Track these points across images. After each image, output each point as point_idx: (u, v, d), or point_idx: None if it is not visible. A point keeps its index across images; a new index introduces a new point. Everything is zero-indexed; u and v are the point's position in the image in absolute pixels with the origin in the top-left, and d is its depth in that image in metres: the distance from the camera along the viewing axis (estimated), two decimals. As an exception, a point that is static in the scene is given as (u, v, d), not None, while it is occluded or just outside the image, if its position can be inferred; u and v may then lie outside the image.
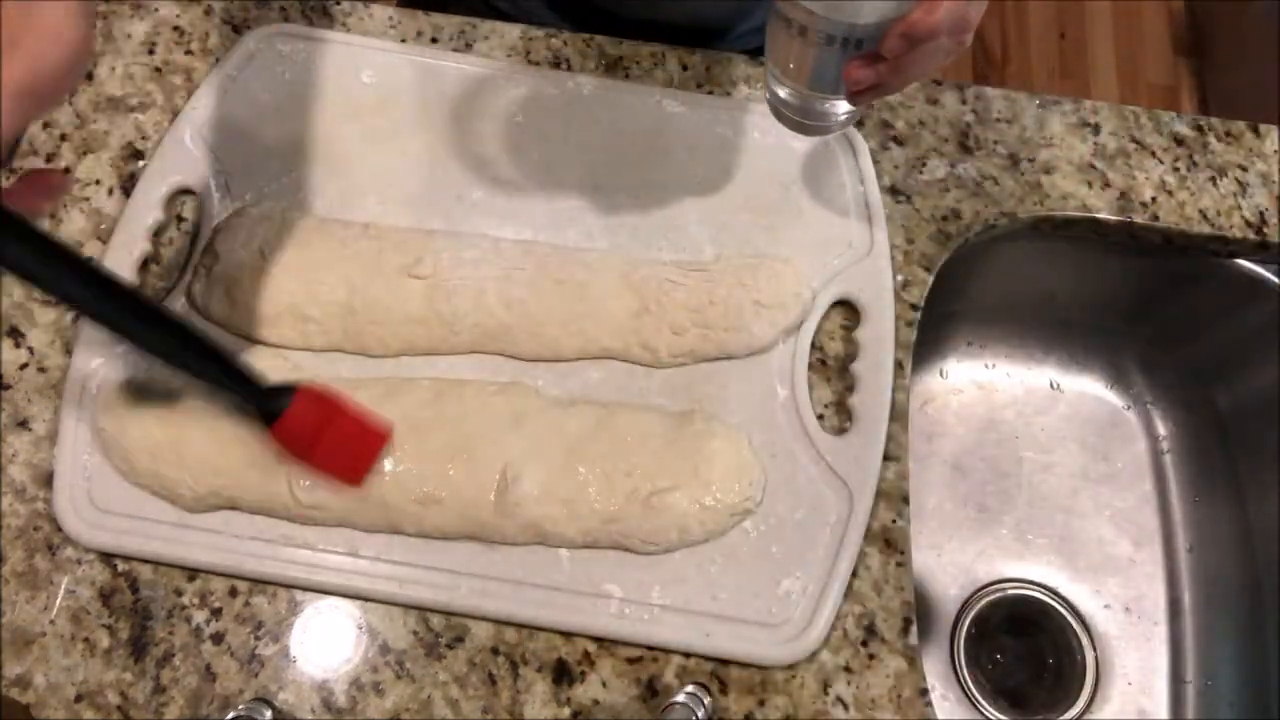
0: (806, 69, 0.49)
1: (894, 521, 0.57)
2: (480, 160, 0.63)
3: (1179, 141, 0.68)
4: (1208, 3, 1.81)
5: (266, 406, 0.50)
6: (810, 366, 0.60)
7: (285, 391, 0.50)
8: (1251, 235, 0.66)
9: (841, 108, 0.51)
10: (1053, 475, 0.80)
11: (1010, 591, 0.77)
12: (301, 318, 0.57)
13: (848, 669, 0.54)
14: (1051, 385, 0.83)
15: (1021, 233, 0.67)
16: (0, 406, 0.57)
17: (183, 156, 0.62)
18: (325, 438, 0.50)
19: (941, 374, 0.83)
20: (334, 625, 0.54)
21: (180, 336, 0.48)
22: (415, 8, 0.70)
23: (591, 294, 0.58)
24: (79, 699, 0.52)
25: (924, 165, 0.66)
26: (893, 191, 0.65)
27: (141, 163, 0.63)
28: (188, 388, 0.55)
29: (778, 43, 0.49)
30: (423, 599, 0.54)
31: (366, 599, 0.54)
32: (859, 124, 0.66)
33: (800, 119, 0.53)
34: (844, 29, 0.45)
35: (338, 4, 0.68)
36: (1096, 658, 0.76)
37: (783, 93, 0.52)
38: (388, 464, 0.53)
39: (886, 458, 0.57)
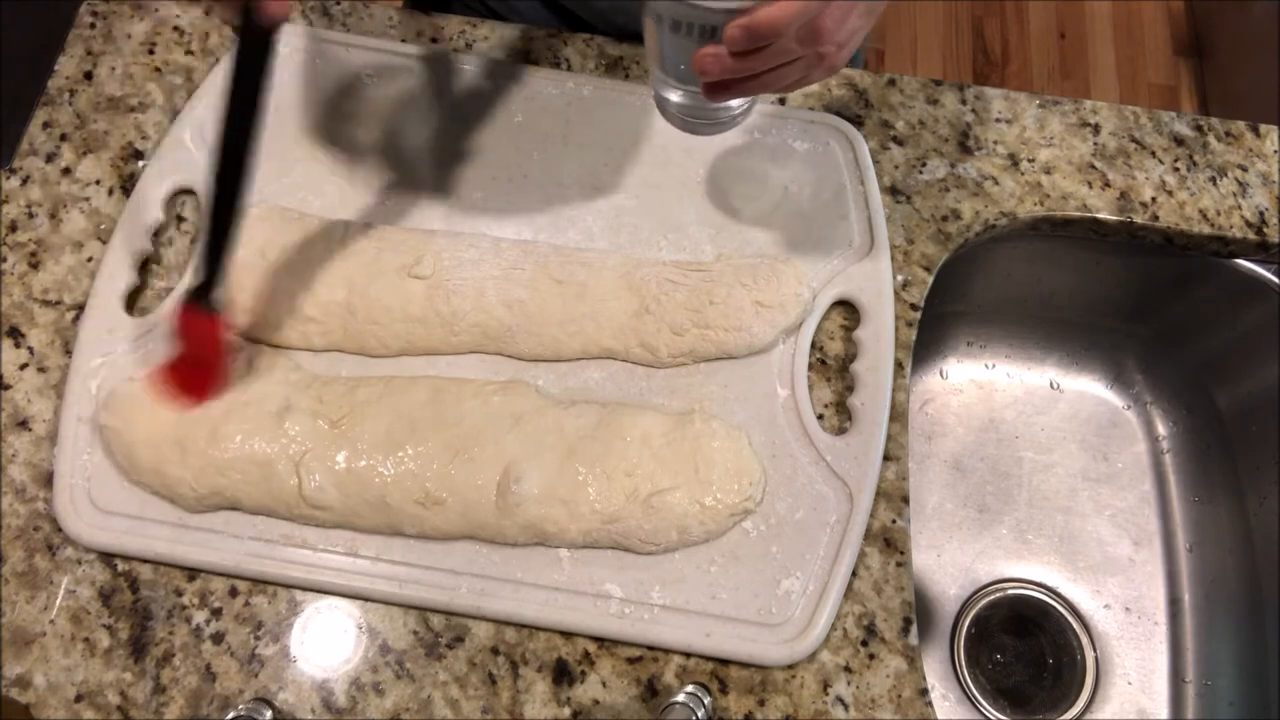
0: (668, 59, 0.49)
1: (894, 521, 0.57)
2: (480, 160, 0.63)
3: (1179, 141, 0.68)
4: (1208, 3, 1.81)
5: (200, 282, 0.52)
6: (810, 366, 0.60)
7: (214, 293, 0.52)
8: (1251, 235, 0.66)
9: (721, 106, 0.51)
10: (1053, 475, 0.80)
11: (1010, 591, 0.77)
12: (301, 318, 0.57)
13: (848, 669, 0.54)
14: (1051, 385, 0.83)
15: (1021, 233, 0.67)
16: (0, 406, 0.57)
17: (183, 156, 0.62)
18: (194, 350, 0.53)
19: (941, 374, 0.83)
20: (334, 625, 0.54)
21: (239, 191, 0.50)
22: (418, 9, 0.70)
23: (591, 294, 0.58)
24: (79, 699, 0.52)
25: (924, 165, 0.66)
26: (893, 191, 0.65)
27: (141, 163, 0.63)
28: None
29: (647, 36, 0.49)
30: (423, 599, 0.54)
31: (366, 599, 0.54)
32: (859, 124, 0.66)
33: (683, 115, 0.53)
34: (689, 15, 0.45)
35: (338, 4, 0.68)
36: (1096, 658, 0.76)
37: (660, 89, 0.52)
38: (388, 465, 0.53)
39: (886, 458, 0.57)
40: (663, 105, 0.54)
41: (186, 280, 0.57)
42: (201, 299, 0.52)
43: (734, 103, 0.52)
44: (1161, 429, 0.82)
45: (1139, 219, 0.66)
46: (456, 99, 0.65)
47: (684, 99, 0.52)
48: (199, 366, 0.54)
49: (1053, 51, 1.82)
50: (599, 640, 0.54)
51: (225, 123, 0.49)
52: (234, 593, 0.54)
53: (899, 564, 0.56)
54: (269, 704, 0.52)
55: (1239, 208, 0.67)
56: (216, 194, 0.50)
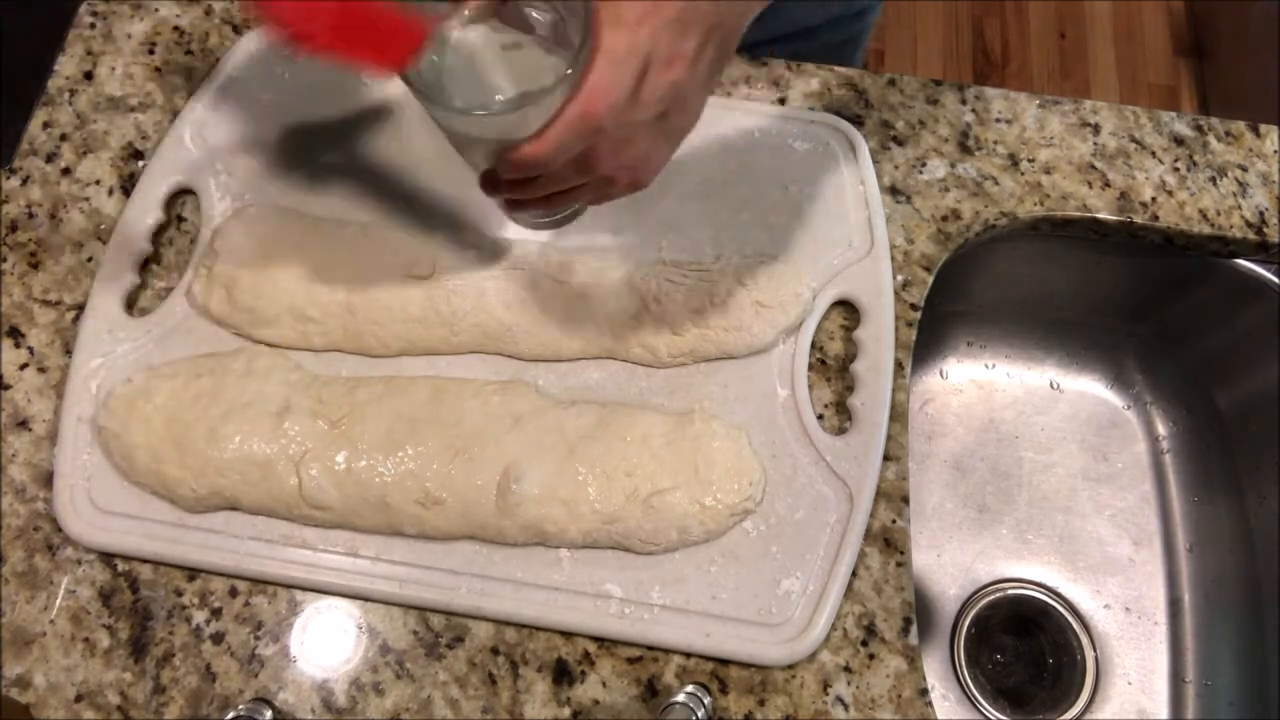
0: (470, 165, 0.48)
1: (894, 521, 0.57)
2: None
3: (1179, 141, 0.68)
4: (1208, 3, 1.81)
5: None
6: (810, 366, 0.60)
7: None
8: (1251, 235, 0.66)
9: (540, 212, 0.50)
10: (1053, 475, 0.80)
11: (1010, 591, 0.77)
12: (301, 318, 0.57)
13: (848, 669, 0.54)
14: (1051, 385, 0.83)
15: (1021, 233, 0.67)
16: (0, 406, 0.57)
17: (183, 156, 0.62)
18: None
19: (941, 374, 0.83)
20: (334, 625, 0.54)
21: None
22: None
23: (591, 294, 0.58)
24: (79, 699, 0.52)
25: (924, 165, 0.66)
26: (893, 191, 0.65)
27: (141, 163, 0.63)
28: (189, 385, 0.55)
29: (460, 155, 0.48)
30: (423, 599, 0.54)
31: (366, 599, 0.54)
32: (859, 124, 0.66)
33: (522, 214, 0.54)
34: (463, 139, 0.44)
35: (338, 4, 0.68)
36: (1096, 658, 0.76)
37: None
38: (388, 465, 0.53)
39: (886, 458, 0.57)
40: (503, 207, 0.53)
41: None
42: None
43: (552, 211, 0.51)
44: (1161, 429, 0.82)
45: (1139, 219, 0.66)
46: (456, 99, 0.65)
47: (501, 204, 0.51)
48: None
49: (1053, 51, 1.82)
50: (599, 640, 0.54)
51: None
52: (234, 593, 0.54)
53: (899, 564, 0.56)
54: (269, 704, 0.52)
55: (1239, 208, 0.67)
56: None
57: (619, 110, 0.40)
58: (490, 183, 0.45)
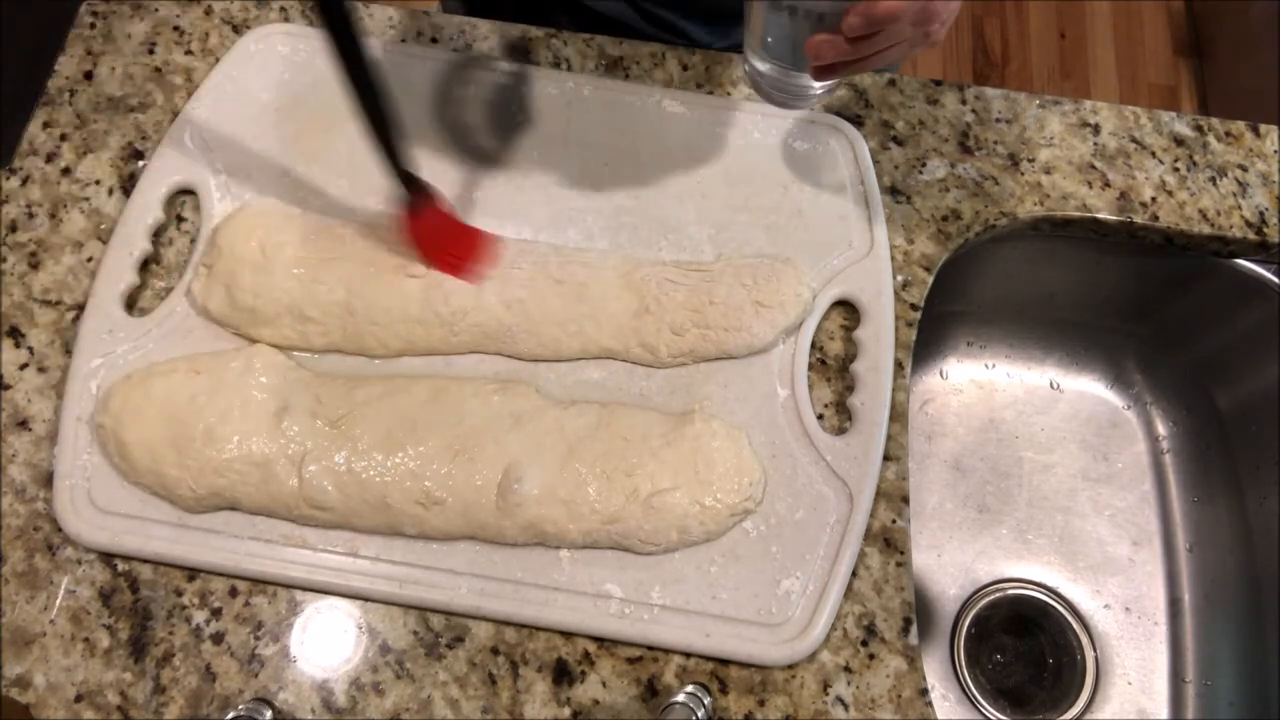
0: (777, 41, 0.50)
1: (894, 521, 0.57)
2: (480, 160, 0.63)
3: (1179, 141, 0.68)
4: (1208, 3, 1.81)
5: (403, 191, 0.55)
6: (810, 366, 0.60)
7: (418, 184, 0.55)
8: (1251, 235, 0.66)
9: (814, 82, 0.53)
10: (1053, 475, 0.80)
11: (1010, 591, 0.77)
12: (301, 318, 0.57)
13: (848, 669, 0.54)
14: (1051, 385, 0.83)
15: (1021, 233, 0.67)
16: (0, 406, 0.57)
17: (183, 156, 0.62)
18: (442, 239, 0.56)
19: (941, 374, 0.83)
20: (334, 625, 0.54)
21: (381, 104, 0.51)
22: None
23: (591, 294, 0.58)
24: (79, 699, 0.52)
25: (924, 165, 0.66)
26: (893, 191, 0.65)
27: (141, 163, 0.63)
28: (187, 384, 0.55)
29: (752, 14, 0.51)
30: (423, 599, 0.54)
31: (366, 599, 0.54)
32: (859, 124, 0.66)
33: (773, 90, 0.55)
34: (809, 3, 0.46)
35: (338, 4, 0.68)
36: (1096, 658, 0.76)
37: (758, 64, 0.53)
38: (388, 465, 0.53)
39: (886, 458, 0.57)
40: (755, 78, 0.55)
41: (389, 197, 0.58)
42: (415, 195, 0.55)
43: (817, 82, 0.53)
44: (1161, 429, 0.82)
45: (1139, 219, 0.66)
46: (456, 99, 0.65)
47: (777, 74, 0.53)
48: (451, 248, 0.57)
49: (1053, 51, 1.82)
50: (599, 640, 0.54)
51: (338, 53, 0.48)
52: (234, 593, 0.54)
53: (899, 564, 0.56)
54: (269, 704, 0.52)
55: (1239, 208, 0.67)
56: (364, 111, 0.51)
57: None
58: (827, 44, 0.47)
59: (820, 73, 0.49)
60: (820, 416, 0.59)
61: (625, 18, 0.75)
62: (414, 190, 0.55)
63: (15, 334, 0.59)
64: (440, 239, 0.57)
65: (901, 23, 0.44)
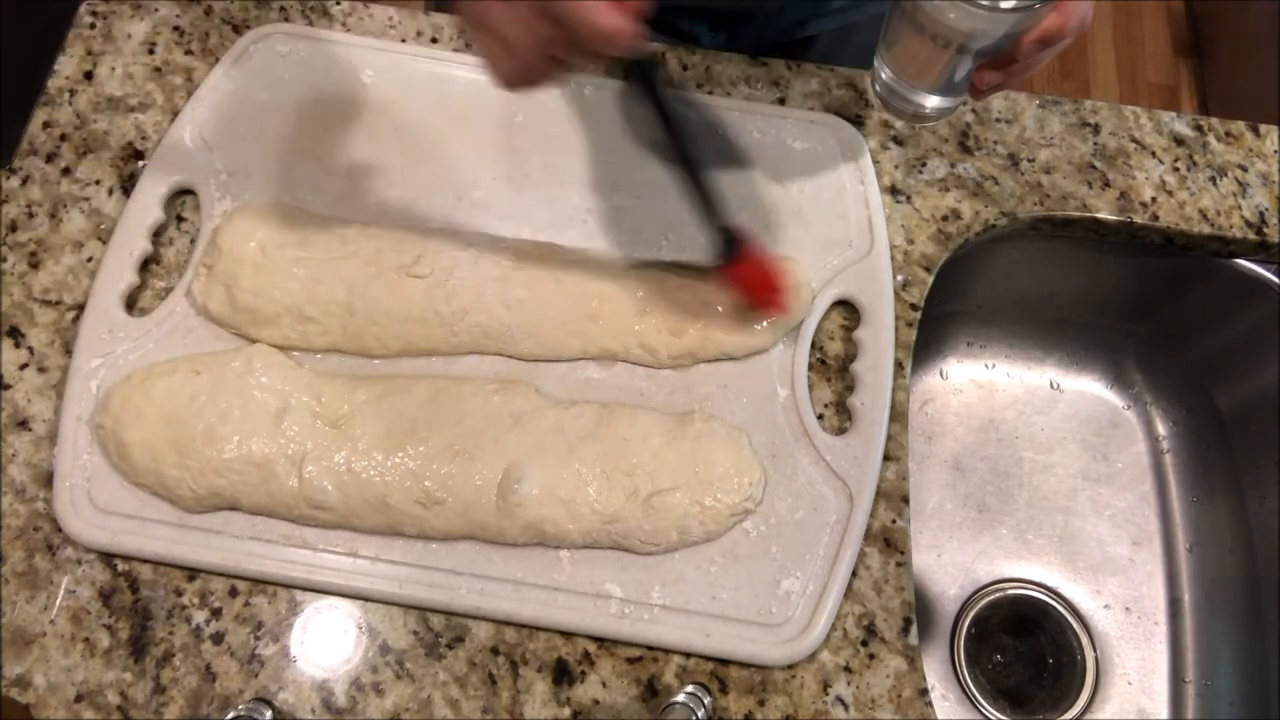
0: (934, 72, 0.53)
1: (894, 521, 0.57)
2: (480, 160, 0.63)
3: (1179, 141, 0.68)
4: (1208, 3, 1.81)
5: (724, 244, 0.55)
6: (810, 366, 0.60)
7: (734, 237, 0.55)
8: (1251, 235, 0.66)
9: (953, 102, 0.56)
10: (1053, 475, 0.80)
11: (1010, 591, 0.77)
12: (301, 318, 0.57)
13: (848, 669, 0.54)
14: (1051, 385, 0.83)
15: (1021, 233, 0.67)
16: (0, 406, 0.57)
17: (183, 156, 0.62)
18: (761, 279, 0.57)
19: (941, 374, 0.83)
20: (334, 625, 0.54)
21: (695, 170, 0.54)
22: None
23: (591, 294, 0.58)
24: (79, 699, 0.52)
25: (924, 165, 0.66)
26: (893, 191, 0.65)
27: (141, 163, 0.63)
28: (187, 384, 0.55)
29: (905, 44, 0.52)
30: (423, 599, 0.54)
31: (366, 599, 0.54)
32: (859, 124, 0.66)
33: (907, 109, 0.58)
34: (981, 40, 0.48)
35: (338, 4, 0.68)
36: (1096, 658, 0.76)
37: (896, 85, 0.56)
38: (388, 465, 0.53)
39: (886, 458, 0.57)
40: (888, 99, 0.58)
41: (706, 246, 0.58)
42: (732, 251, 0.55)
43: (956, 102, 0.57)
44: (1161, 429, 0.82)
45: (1139, 219, 0.66)
46: (456, 99, 0.65)
47: (918, 96, 0.56)
48: (767, 286, 0.57)
49: (1053, 51, 1.82)
50: (599, 640, 0.54)
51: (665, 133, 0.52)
52: (234, 593, 0.54)
53: (899, 564, 0.56)
54: (269, 704, 0.52)
55: (1239, 208, 0.67)
56: (685, 171, 0.54)
57: None
58: (998, 75, 0.50)
59: (981, 95, 0.51)
60: (820, 416, 0.59)
61: None
62: (734, 239, 0.55)
63: (15, 334, 0.59)
64: (760, 282, 0.57)
65: (1068, 37, 0.47)
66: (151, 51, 0.66)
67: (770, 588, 0.54)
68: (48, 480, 0.56)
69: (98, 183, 0.62)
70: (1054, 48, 0.47)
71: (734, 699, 0.53)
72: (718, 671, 0.54)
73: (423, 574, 0.54)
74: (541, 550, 0.54)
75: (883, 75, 0.57)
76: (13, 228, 0.61)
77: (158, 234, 0.61)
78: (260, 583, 0.55)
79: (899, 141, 0.66)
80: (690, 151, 0.53)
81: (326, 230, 0.59)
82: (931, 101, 0.56)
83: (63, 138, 0.63)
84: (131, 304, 0.60)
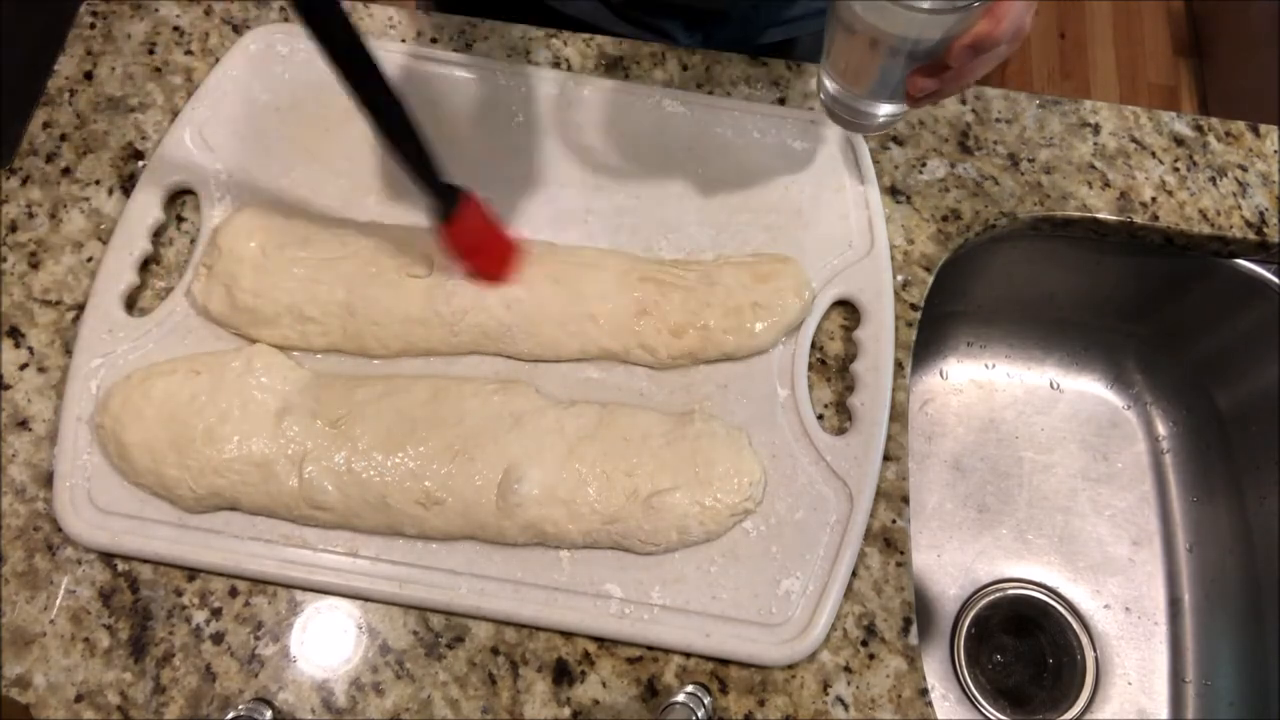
0: (869, 77, 0.52)
1: (894, 521, 0.57)
2: (480, 160, 0.63)
3: (1179, 141, 0.68)
4: (1208, 3, 1.81)
5: (440, 202, 0.53)
6: (810, 366, 0.60)
7: (456, 192, 0.53)
8: (1251, 235, 0.66)
9: (893, 109, 0.55)
10: (1053, 475, 0.80)
11: (1010, 591, 0.77)
12: (301, 318, 0.57)
13: (848, 669, 0.54)
14: (1051, 385, 0.83)
15: (1021, 233, 0.67)
16: (0, 406, 0.57)
17: (183, 156, 0.62)
18: (482, 244, 0.55)
19: (941, 374, 0.83)
20: (334, 625, 0.54)
21: (402, 119, 0.51)
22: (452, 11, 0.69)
23: (591, 294, 0.58)
24: (79, 699, 0.52)
25: (924, 165, 0.66)
26: (893, 191, 0.65)
27: (141, 163, 0.63)
28: (186, 384, 0.55)
29: (840, 48, 0.52)
30: (423, 599, 0.54)
31: (366, 599, 0.54)
32: (859, 124, 0.66)
33: (851, 118, 0.56)
34: (912, 44, 0.47)
35: (338, 4, 0.68)
36: (1096, 658, 0.76)
37: (838, 93, 0.55)
38: (388, 465, 0.53)
39: (886, 458, 0.57)
40: (830, 106, 0.57)
41: (423, 209, 0.56)
42: (448, 208, 0.53)
43: (897, 110, 0.55)
44: (1161, 429, 0.82)
45: (1139, 219, 0.66)
46: (456, 99, 0.65)
47: (857, 102, 0.55)
48: (489, 253, 0.56)
49: (1053, 51, 1.82)
50: (599, 640, 0.54)
51: (339, 68, 0.47)
52: (234, 593, 0.54)
53: (899, 564, 0.56)
54: (269, 704, 0.52)
55: (1239, 208, 0.67)
56: (382, 129, 0.50)
57: None
58: (931, 81, 0.49)
59: (917, 102, 0.51)
60: (820, 416, 0.59)
61: (601, 22, 0.75)
62: (451, 198, 0.53)
63: (15, 334, 0.59)
64: (480, 246, 0.56)
65: (1001, 44, 0.46)
66: (151, 51, 0.66)
67: (770, 588, 0.54)
68: (48, 480, 0.56)
69: (98, 183, 0.62)
70: (988, 55, 0.46)
71: (734, 699, 0.53)
72: (718, 671, 0.54)
73: (423, 574, 0.54)
74: (541, 550, 0.54)
75: (825, 82, 0.56)
76: (13, 228, 0.61)
77: (158, 234, 0.61)
78: (260, 583, 0.55)
79: (899, 141, 0.66)
80: (379, 98, 0.48)
81: (326, 230, 0.59)
82: (870, 107, 0.55)
83: (63, 138, 0.63)
84: (131, 304, 0.60)
